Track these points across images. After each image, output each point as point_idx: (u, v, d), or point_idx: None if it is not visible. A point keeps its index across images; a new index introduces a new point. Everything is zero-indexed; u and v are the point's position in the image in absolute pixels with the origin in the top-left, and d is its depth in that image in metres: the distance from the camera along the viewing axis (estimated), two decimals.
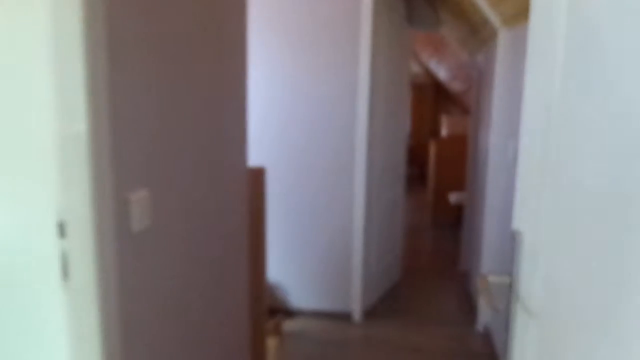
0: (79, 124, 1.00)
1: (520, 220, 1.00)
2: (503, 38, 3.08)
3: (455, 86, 7.37)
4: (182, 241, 1.48)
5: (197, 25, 1.51)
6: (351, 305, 3.54)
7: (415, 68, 8.68)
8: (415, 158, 9.34)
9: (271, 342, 2.98)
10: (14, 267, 1.09)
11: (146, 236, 1.26)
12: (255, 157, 3.22)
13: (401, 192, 4.22)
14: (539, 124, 0.93)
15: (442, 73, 7.43)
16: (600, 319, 0.67)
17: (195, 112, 1.53)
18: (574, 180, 0.78)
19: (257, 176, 2.23)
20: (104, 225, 1.07)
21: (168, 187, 1.38)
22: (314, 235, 3.51)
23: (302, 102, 3.36)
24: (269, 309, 3.29)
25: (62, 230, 1.04)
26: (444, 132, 7.60)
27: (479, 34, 3.74)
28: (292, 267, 3.58)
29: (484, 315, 3.36)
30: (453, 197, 5.85)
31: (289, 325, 3.42)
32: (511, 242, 1.00)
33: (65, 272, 1.05)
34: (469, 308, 3.76)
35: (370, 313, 3.65)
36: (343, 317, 3.55)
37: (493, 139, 3.28)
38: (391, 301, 3.91)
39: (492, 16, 3.03)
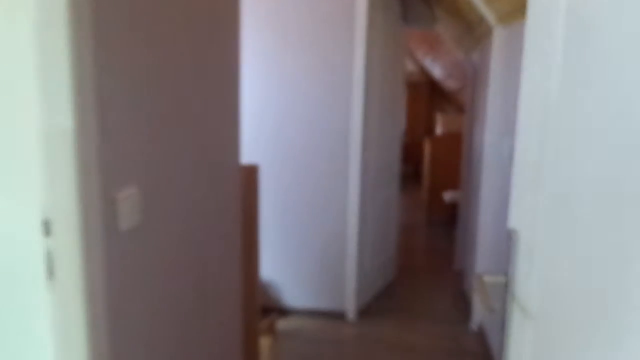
0: (65, 119, 0.97)
1: (516, 219, 0.98)
2: (498, 36, 3.07)
3: (450, 84, 7.36)
4: (172, 239, 1.45)
5: (188, 19, 1.48)
6: (345, 304, 3.53)
7: (410, 66, 8.67)
8: (410, 156, 9.34)
9: (265, 342, 2.96)
10: None
11: (135, 234, 1.23)
12: (249, 154, 3.20)
13: (396, 190, 4.20)
14: (536, 121, 0.91)
15: (437, 71, 7.43)
16: (599, 320, 0.66)
17: (187, 109, 1.50)
18: (572, 179, 0.76)
19: (250, 174, 2.20)
20: (90, 223, 1.04)
21: (158, 184, 1.35)
22: (308, 234, 3.49)
23: (296, 101, 3.34)
24: (262, 308, 3.27)
25: (47, 228, 1.01)
26: (438, 130, 7.60)
27: (474, 32, 3.72)
28: (286, 265, 3.56)
29: (479, 314, 3.36)
30: (448, 196, 5.84)
31: (282, 324, 3.40)
32: (507, 241, 0.99)
33: (50, 271, 1.03)
34: (464, 307, 3.75)
35: (365, 312, 3.64)
36: (337, 316, 3.53)
37: (488, 137, 3.27)
38: (385, 300, 3.90)
39: (488, 14, 3.01)
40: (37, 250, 1.02)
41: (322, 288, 3.55)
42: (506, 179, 2.79)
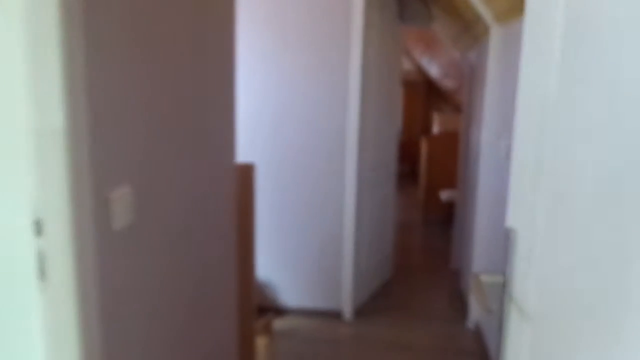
0: (56, 117, 0.96)
1: (515, 218, 0.97)
2: (495, 34, 3.06)
3: (447, 84, 7.36)
4: (167, 239, 1.44)
5: (183, 17, 1.47)
6: (342, 303, 3.52)
7: (407, 65, 8.66)
8: (407, 155, 9.34)
9: (261, 341, 2.95)
10: None
11: (128, 234, 1.21)
12: (245, 153, 3.18)
13: (392, 189, 4.19)
14: (535, 120, 0.90)
15: (434, 70, 7.42)
16: (598, 321, 0.65)
17: (181, 108, 1.48)
18: (571, 178, 0.75)
19: (246, 172, 2.19)
20: (82, 223, 1.02)
21: (152, 183, 1.34)
22: (305, 233, 3.48)
23: (292, 100, 3.32)
24: (258, 307, 3.25)
25: (38, 228, 1.00)
26: (435, 129, 7.59)
27: (471, 31, 3.71)
28: (282, 265, 3.54)
29: (475, 313, 3.35)
30: (444, 195, 5.84)
31: (279, 324, 3.38)
32: (505, 240, 0.97)
33: (42, 272, 1.01)
34: (460, 306, 3.75)
35: (361, 311, 3.63)
36: (334, 316, 3.52)
37: (485, 136, 3.26)
38: (382, 299, 3.89)
39: (485, 12, 3.00)
40: (28, 250, 1.00)
41: (318, 287, 3.53)
42: (503, 178, 2.78)
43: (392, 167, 4.12)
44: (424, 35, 5.95)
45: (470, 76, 4.33)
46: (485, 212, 3.25)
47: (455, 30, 4.21)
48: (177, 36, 1.44)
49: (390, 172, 4.11)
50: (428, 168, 6.44)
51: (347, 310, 3.51)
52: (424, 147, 6.67)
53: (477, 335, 3.28)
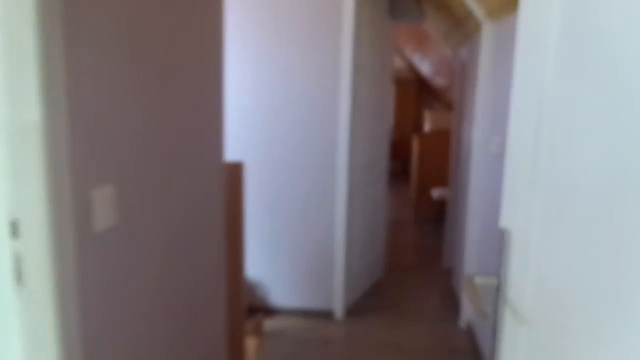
0: (32, 113, 0.92)
1: (509, 219, 0.94)
2: (487, 31, 3.04)
3: (439, 82, 7.35)
4: (153, 240, 1.39)
5: (167, 13, 1.42)
6: (333, 303, 3.49)
7: (399, 63, 8.65)
8: (398, 153, 9.33)
9: (251, 342, 2.91)
10: None
11: (111, 236, 1.17)
12: (235, 152, 3.14)
13: (384, 188, 4.17)
14: (530, 117, 0.87)
15: (425, 68, 7.41)
16: (597, 325, 0.62)
17: (167, 105, 1.44)
18: (569, 176, 0.72)
19: (235, 171, 2.15)
20: (61, 225, 0.98)
21: (137, 183, 1.29)
22: (296, 233, 3.44)
23: (283, 98, 3.28)
24: (249, 308, 3.22)
25: (14, 229, 0.95)
26: (427, 127, 7.58)
27: (463, 27, 3.69)
28: (273, 265, 3.50)
29: (468, 312, 3.33)
30: (436, 193, 5.82)
31: (269, 324, 3.35)
32: (500, 241, 0.94)
33: (19, 276, 0.97)
34: (453, 305, 3.73)
35: (353, 311, 3.60)
36: (325, 315, 3.49)
37: (476, 135, 3.24)
38: (374, 299, 3.86)
39: (477, 8, 2.98)
40: (4, 253, 0.96)
41: (309, 287, 3.50)
42: (495, 176, 2.76)
43: (383, 165, 4.10)
44: (416, 33, 5.93)
45: (462, 74, 4.31)
46: (477, 210, 3.23)
47: (447, 27, 4.19)
48: (163, 33, 1.39)
49: (382, 170, 4.08)
50: (420, 166, 6.43)
51: (339, 310, 3.48)
52: (415, 145, 6.65)
53: (470, 334, 3.27)
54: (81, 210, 1.05)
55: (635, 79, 0.56)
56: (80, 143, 1.04)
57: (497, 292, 0.93)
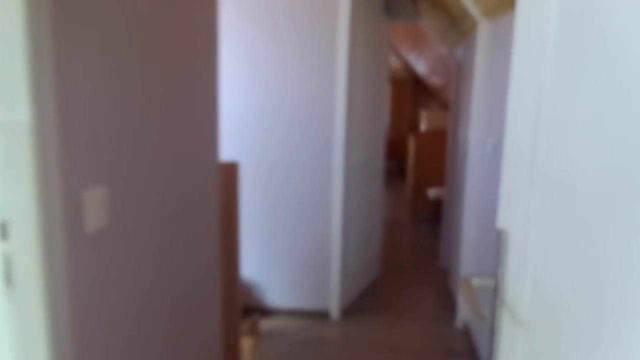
0: (22, 113, 0.90)
1: (506, 219, 0.93)
2: (483, 30, 3.03)
3: (435, 81, 7.35)
4: (146, 241, 1.38)
5: (160, 12, 1.40)
6: (329, 303, 3.47)
7: (394, 62, 8.64)
8: (394, 153, 9.33)
9: (247, 343, 2.90)
10: None
11: (103, 237, 1.15)
12: (230, 152, 3.12)
13: (380, 187, 4.16)
14: (528, 115, 0.86)
15: (421, 67, 7.40)
16: (596, 327, 0.61)
17: (161, 105, 1.42)
18: (567, 176, 0.71)
19: (230, 171, 2.13)
20: (51, 225, 0.96)
21: (130, 183, 1.28)
22: (291, 233, 3.43)
23: (278, 98, 3.26)
24: (244, 308, 3.20)
25: (3, 231, 0.93)
26: (423, 126, 7.57)
27: (458, 26, 3.69)
28: (269, 265, 3.49)
29: (464, 312, 3.33)
30: (432, 192, 5.82)
31: (265, 324, 3.33)
32: (497, 241, 0.93)
33: (8, 278, 0.95)
34: (449, 304, 3.73)
35: (349, 311, 3.59)
36: (321, 316, 3.48)
37: (472, 134, 3.23)
38: (370, 298, 3.85)
39: (472, 7, 2.97)
40: None
41: (305, 287, 3.49)
42: (491, 175, 2.75)
43: (379, 164, 4.09)
44: (411, 31, 5.92)
45: (458, 73, 4.31)
46: (473, 209, 3.23)
47: (443, 26, 4.18)
48: (156, 33, 1.37)
49: (378, 169, 4.07)
50: (416, 165, 6.42)
51: (335, 310, 3.47)
52: (411, 145, 6.65)
53: (466, 334, 3.26)
54: (72, 211, 1.03)
55: (634, 77, 0.55)
56: (71, 143, 1.02)
57: (494, 294, 0.92)
